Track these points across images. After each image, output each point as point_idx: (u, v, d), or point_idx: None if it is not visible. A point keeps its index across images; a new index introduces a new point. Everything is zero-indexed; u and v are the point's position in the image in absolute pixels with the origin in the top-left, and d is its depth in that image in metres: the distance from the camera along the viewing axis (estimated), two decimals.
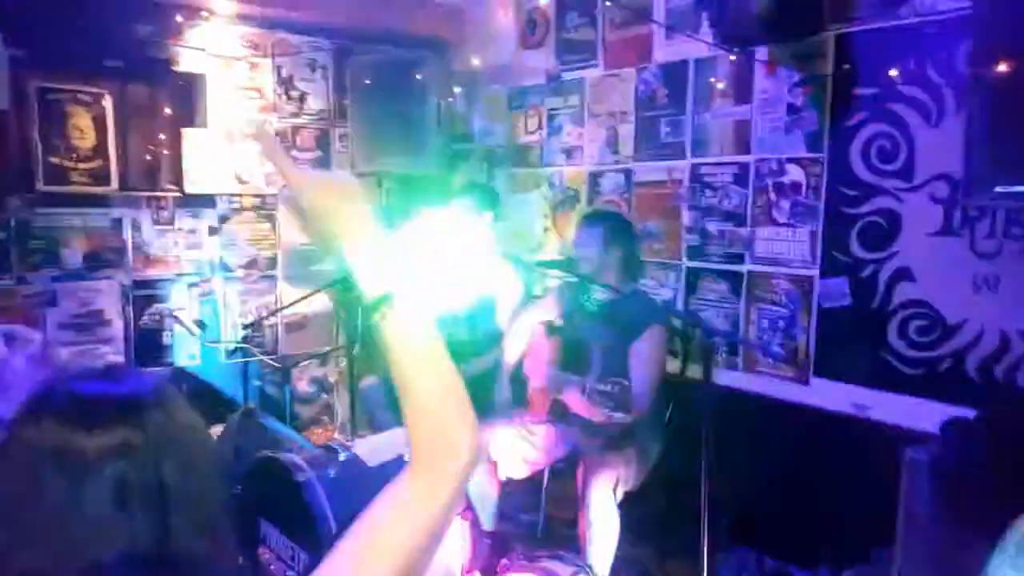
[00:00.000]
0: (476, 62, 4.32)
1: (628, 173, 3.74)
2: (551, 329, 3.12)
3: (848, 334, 2.93)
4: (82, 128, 3.72)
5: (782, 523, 3.08)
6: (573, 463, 2.91)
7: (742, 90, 3.24)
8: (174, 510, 0.83)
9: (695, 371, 3.12)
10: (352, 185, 0.95)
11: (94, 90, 3.74)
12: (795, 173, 3.08)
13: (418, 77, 4.10)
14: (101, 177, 3.76)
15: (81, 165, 3.72)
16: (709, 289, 3.40)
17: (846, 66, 2.89)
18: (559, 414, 3.03)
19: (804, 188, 3.05)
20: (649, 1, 3.57)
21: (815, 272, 3.02)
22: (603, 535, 2.64)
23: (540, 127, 4.21)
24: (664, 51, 3.54)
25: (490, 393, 3.25)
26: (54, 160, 3.65)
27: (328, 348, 4.25)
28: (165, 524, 0.82)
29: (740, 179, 3.27)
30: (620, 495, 2.72)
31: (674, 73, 3.51)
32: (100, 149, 3.76)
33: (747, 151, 3.24)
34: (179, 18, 3.86)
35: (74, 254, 3.71)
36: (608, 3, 3.65)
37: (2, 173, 3.54)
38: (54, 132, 3.64)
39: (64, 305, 3.67)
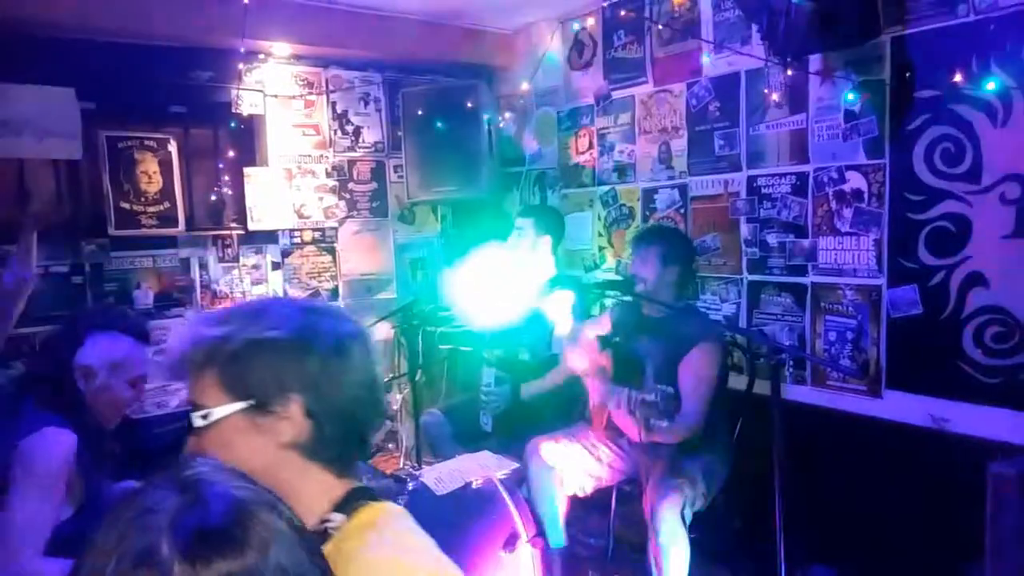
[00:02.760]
0: (525, 86, 4.35)
1: (683, 188, 3.72)
2: (604, 343, 3.10)
3: (921, 344, 2.84)
4: (149, 173, 3.87)
5: (861, 541, 2.98)
6: (638, 486, 2.88)
7: (797, 99, 3.20)
8: None
9: (762, 387, 3.07)
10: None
11: (159, 136, 3.90)
12: (856, 181, 3.01)
13: (468, 104, 4.16)
14: (168, 219, 3.90)
15: (149, 208, 3.87)
16: (773, 302, 3.34)
17: (904, 69, 2.82)
18: (615, 431, 3.01)
19: (866, 195, 2.98)
20: (696, 16, 3.56)
21: (882, 281, 2.94)
22: (673, 558, 2.59)
23: (591, 147, 4.22)
24: (714, 64, 3.51)
25: (554, 411, 3.25)
26: (124, 205, 3.80)
27: (391, 376, 4.30)
28: None
29: (799, 189, 3.21)
30: (689, 516, 2.67)
31: (725, 86, 3.48)
32: (167, 192, 3.90)
33: (805, 160, 3.19)
34: (237, 62, 4.00)
35: (146, 294, 3.84)
36: (655, 24, 3.64)
37: (77, 220, 3.71)
38: (124, 178, 3.79)
39: None
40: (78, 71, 3.56)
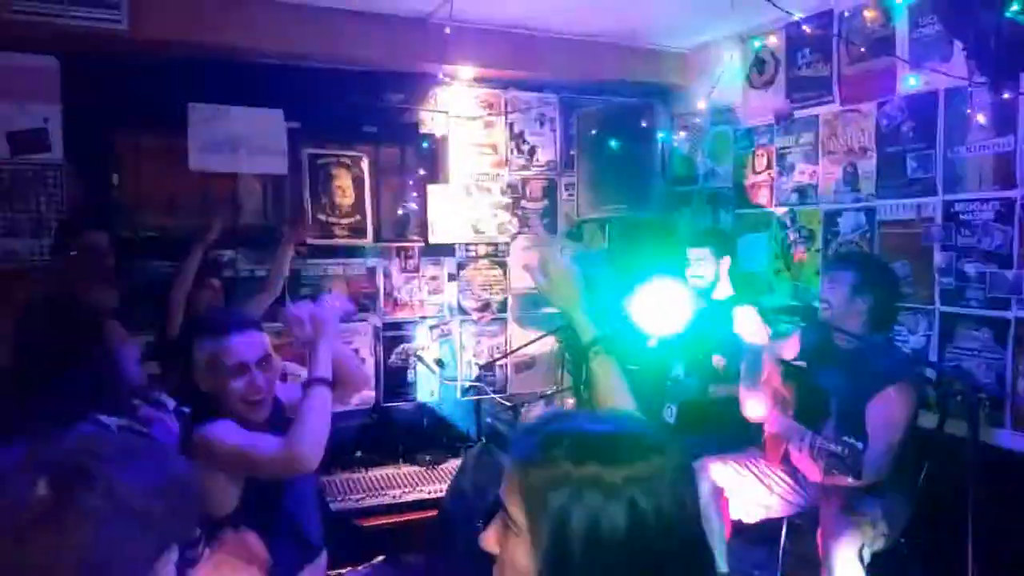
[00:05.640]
0: (701, 105, 4.32)
1: (870, 212, 3.54)
2: (788, 372, 3.00)
3: None
4: (344, 188, 4.19)
5: None
6: (812, 521, 2.76)
7: (1004, 120, 2.97)
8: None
9: (954, 427, 2.87)
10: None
11: (353, 153, 4.21)
12: None
13: (642, 124, 4.17)
14: (358, 230, 4.20)
15: (342, 220, 4.19)
16: (969, 337, 3.10)
17: None
18: (790, 463, 2.90)
19: None
20: (891, 33, 3.39)
21: None
22: None
23: (769, 167, 4.11)
24: (910, 83, 3.32)
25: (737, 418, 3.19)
26: (320, 216, 4.14)
27: (555, 388, 4.38)
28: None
29: (1003, 216, 2.97)
30: (868, 557, 2.54)
31: (922, 105, 3.29)
32: (358, 206, 4.21)
33: (1012, 186, 2.95)
34: (424, 85, 4.27)
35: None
36: (846, 41, 3.51)
37: (281, 229, 4.06)
38: (321, 192, 4.14)
39: None
40: (286, 94, 3.93)
